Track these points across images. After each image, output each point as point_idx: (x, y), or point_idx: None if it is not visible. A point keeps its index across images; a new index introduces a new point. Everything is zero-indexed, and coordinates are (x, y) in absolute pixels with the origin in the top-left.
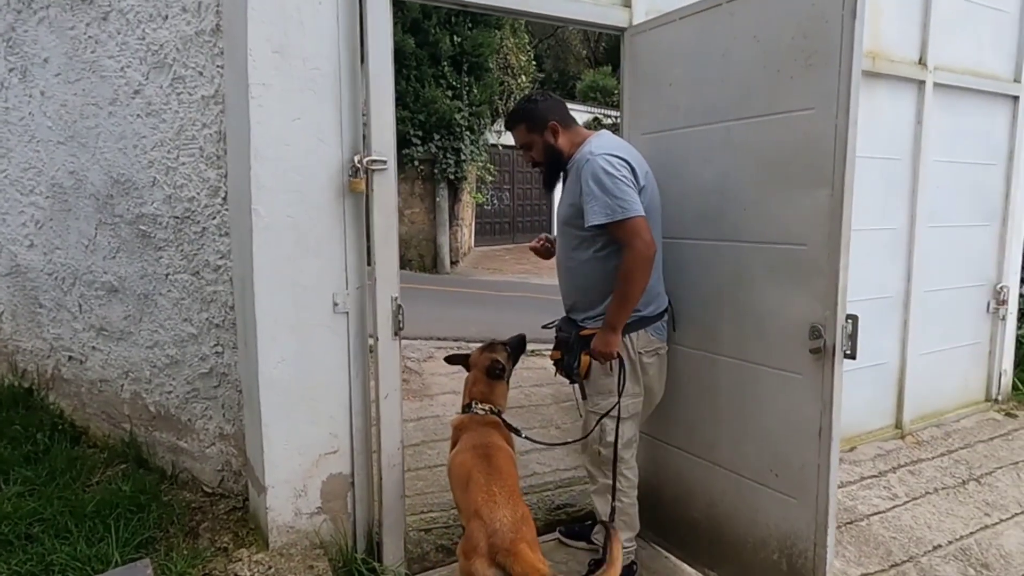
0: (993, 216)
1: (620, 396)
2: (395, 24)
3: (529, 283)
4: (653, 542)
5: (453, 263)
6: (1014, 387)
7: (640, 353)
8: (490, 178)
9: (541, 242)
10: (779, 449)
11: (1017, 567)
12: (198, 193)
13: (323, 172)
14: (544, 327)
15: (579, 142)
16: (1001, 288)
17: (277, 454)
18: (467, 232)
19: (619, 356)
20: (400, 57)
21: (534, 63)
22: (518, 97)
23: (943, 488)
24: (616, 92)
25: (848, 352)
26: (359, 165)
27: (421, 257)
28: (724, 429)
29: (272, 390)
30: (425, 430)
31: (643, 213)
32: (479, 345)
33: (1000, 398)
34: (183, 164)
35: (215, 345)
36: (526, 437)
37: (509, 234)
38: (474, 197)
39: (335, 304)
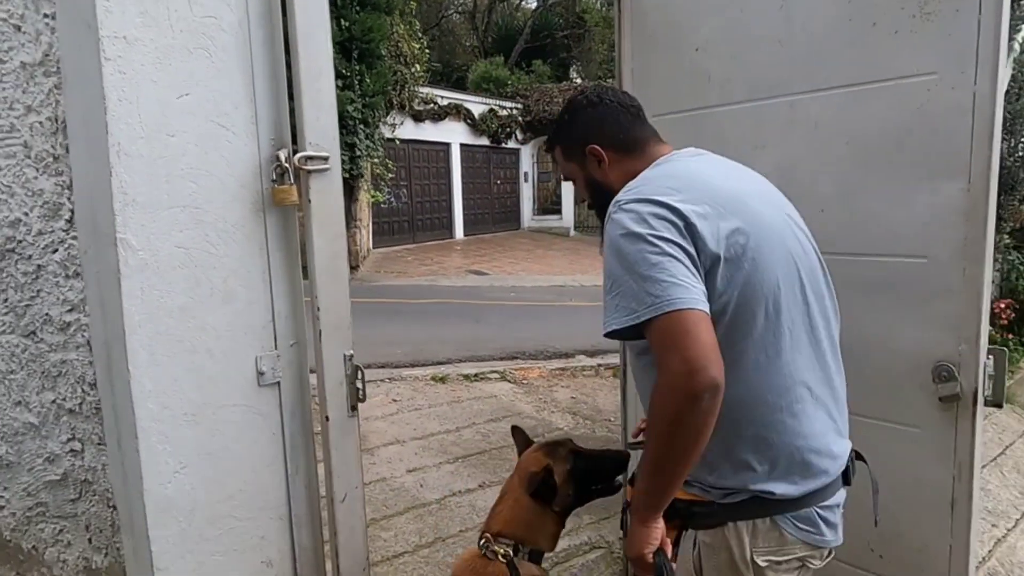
0: None
1: None
2: None
3: (439, 286)
4: None
5: (353, 268)
6: None
7: (761, 565)
8: (389, 175)
9: None
10: (885, 524)
11: None
12: (26, 213)
13: (231, 176)
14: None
15: (635, 173)
16: None
17: None
18: (365, 234)
19: (662, 555)
20: None
21: (427, 51)
22: (412, 88)
23: None
24: (510, 83)
25: (990, 398)
26: (287, 165)
27: None
28: None
29: (167, 518)
30: (372, 503)
31: (691, 304)
32: (541, 441)
33: None
34: None
35: (69, 440)
36: None
37: (409, 233)
38: (372, 196)
39: (260, 373)
